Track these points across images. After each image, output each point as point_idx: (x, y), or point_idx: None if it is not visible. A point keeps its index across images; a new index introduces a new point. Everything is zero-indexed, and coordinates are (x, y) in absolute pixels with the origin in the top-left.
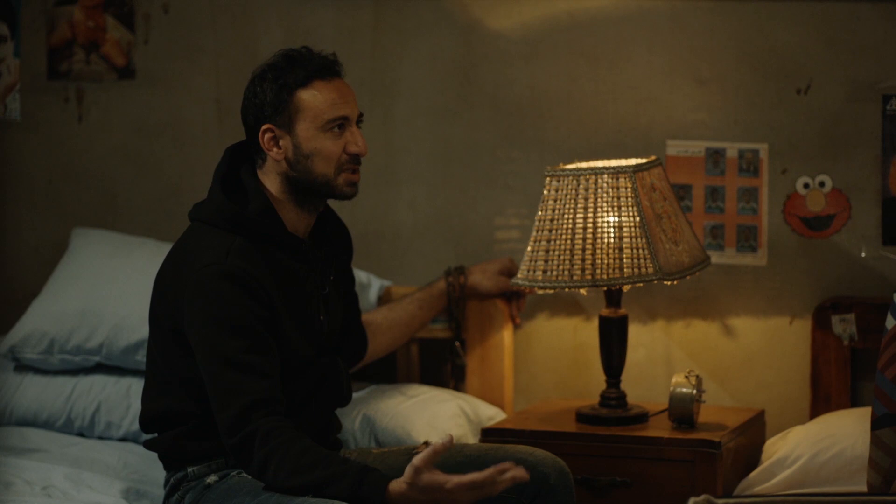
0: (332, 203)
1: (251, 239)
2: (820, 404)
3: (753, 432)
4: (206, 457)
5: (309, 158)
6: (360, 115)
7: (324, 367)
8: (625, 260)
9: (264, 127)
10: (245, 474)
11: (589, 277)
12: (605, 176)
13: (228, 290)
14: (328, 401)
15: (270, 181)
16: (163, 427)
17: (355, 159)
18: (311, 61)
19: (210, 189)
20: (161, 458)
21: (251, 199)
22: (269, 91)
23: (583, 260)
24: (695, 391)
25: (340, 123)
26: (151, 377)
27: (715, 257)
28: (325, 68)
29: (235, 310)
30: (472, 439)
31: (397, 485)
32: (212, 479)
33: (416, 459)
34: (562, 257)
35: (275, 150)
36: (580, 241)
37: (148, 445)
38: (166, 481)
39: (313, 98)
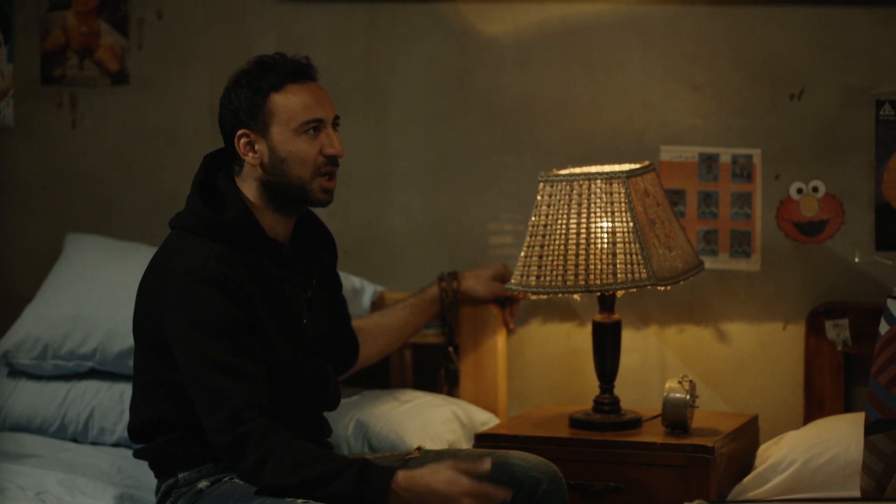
0: (321, 208)
1: (230, 244)
2: (813, 409)
3: (747, 437)
4: (197, 462)
5: (284, 162)
6: (337, 117)
7: (310, 371)
8: (618, 265)
9: (240, 132)
10: (237, 480)
11: (582, 283)
12: (599, 181)
13: (210, 296)
14: (315, 405)
15: (248, 187)
16: (152, 435)
17: (332, 161)
18: (284, 65)
19: (188, 197)
20: (151, 465)
21: (228, 204)
22: (244, 96)
23: (576, 265)
24: (688, 396)
25: (315, 126)
26: (138, 387)
27: (708, 263)
28: (298, 71)
29: (218, 314)
30: (465, 445)
31: (406, 477)
32: (203, 484)
33: (459, 464)
34: (555, 262)
35: (250, 154)
36: (573, 247)
37: (138, 455)
38: (157, 488)
39: (287, 101)
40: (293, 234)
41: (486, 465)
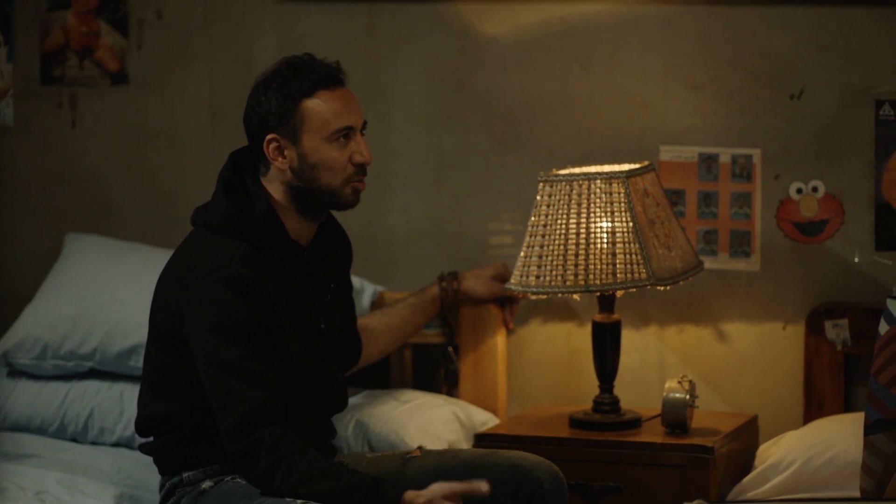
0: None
1: (254, 245)
2: (813, 409)
3: (747, 437)
4: (202, 462)
5: (315, 169)
6: (364, 123)
7: (322, 374)
8: (618, 265)
9: (269, 137)
10: (240, 479)
11: (582, 282)
12: (599, 181)
13: (231, 298)
14: (325, 407)
15: (274, 189)
16: (159, 431)
17: (361, 169)
18: (315, 70)
19: (214, 193)
20: (156, 462)
21: (256, 205)
22: (274, 100)
23: (576, 265)
24: (688, 396)
25: (346, 133)
26: (148, 381)
27: (708, 262)
28: (329, 77)
29: (238, 317)
30: (465, 445)
31: (413, 495)
32: (207, 484)
33: (449, 485)
34: (555, 262)
35: (280, 159)
36: (573, 247)
37: (143, 449)
38: (161, 486)
39: (318, 108)
40: (314, 239)
41: (484, 486)
